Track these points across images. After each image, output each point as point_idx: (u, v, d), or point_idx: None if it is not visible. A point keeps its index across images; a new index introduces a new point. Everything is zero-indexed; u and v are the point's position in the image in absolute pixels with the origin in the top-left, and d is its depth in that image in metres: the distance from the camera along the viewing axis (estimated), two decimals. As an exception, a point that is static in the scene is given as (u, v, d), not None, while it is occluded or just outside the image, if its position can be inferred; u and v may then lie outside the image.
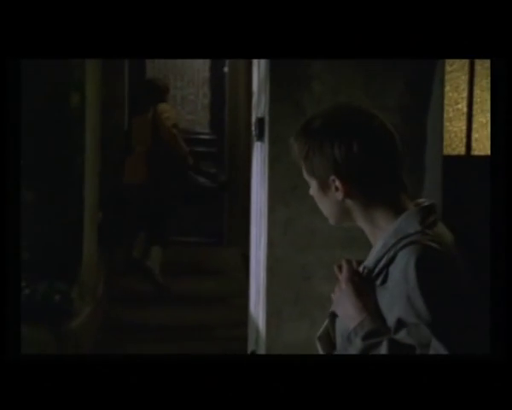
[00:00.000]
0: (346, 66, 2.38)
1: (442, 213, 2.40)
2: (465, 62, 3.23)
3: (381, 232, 1.20)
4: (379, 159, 1.20)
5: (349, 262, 1.22)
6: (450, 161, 2.45)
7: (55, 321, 3.74)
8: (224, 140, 5.43)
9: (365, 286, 1.19)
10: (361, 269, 1.22)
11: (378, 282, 1.17)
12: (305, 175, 1.26)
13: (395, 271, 1.14)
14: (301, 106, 2.35)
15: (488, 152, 2.76)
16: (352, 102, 1.31)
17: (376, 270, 1.19)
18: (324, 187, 1.23)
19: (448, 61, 2.74)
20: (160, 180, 4.67)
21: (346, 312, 1.19)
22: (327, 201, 1.24)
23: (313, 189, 1.26)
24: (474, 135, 2.81)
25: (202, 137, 5.47)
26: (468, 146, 2.40)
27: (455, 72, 3.12)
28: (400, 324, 1.11)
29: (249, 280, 3.52)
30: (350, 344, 1.16)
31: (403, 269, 1.13)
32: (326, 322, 1.31)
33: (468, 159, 2.58)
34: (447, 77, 2.68)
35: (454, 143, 3.26)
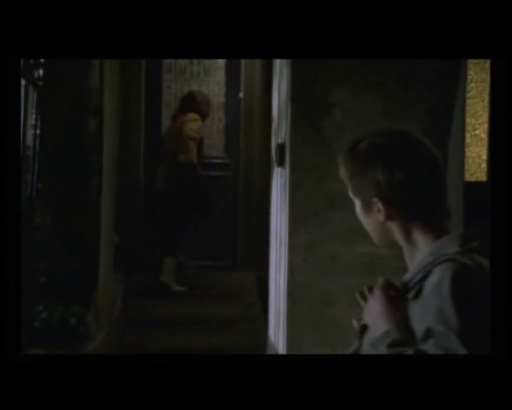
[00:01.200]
0: (367, 92, 2.40)
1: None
2: (483, 88, 3.24)
3: (420, 254, 1.25)
4: (421, 186, 1.23)
5: (385, 279, 1.26)
6: (471, 187, 2.45)
7: (70, 345, 3.74)
8: (239, 164, 5.46)
9: (397, 298, 1.22)
10: (398, 284, 1.26)
11: (411, 295, 1.21)
12: (351, 194, 1.31)
13: (429, 285, 1.18)
14: (322, 132, 2.37)
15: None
16: (400, 127, 1.30)
17: (410, 284, 1.22)
18: (367, 208, 1.27)
19: (466, 88, 2.75)
20: (172, 189, 4.76)
21: (374, 319, 1.23)
22: (369, 221, 1.28)
23: (357, 208, 1.30)
24: (493, 161, 2.81)
25: (217, 161, 5.50)
26: (489, 172, 2.40)
27: (472, 98, 3.14)
28: (429, 333, 1.14)
29: (264, 305, 3.51)
30: (375, 351, 1.18)
31: (437, 283, 1.16)
32: (355, 344, 1.31)
33: (489, 185, 2.58)
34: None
35: (472, 169, 3.26)
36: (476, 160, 3.76)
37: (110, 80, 4.21)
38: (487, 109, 2.87)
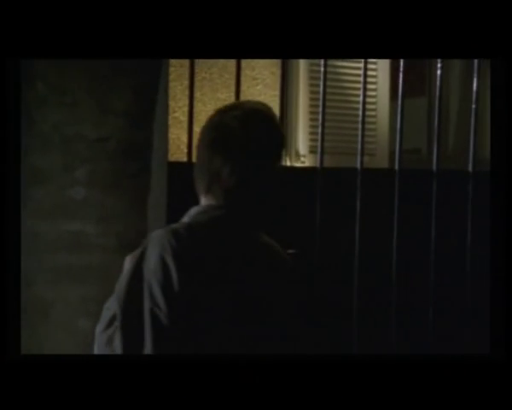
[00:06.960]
0: (71, 67, 2.33)
1: (167, 216, 2.54)
2: (182, 73, 3.45)
3: None
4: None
5: None
6: (174, 167, 2.61)
7: None
8: None
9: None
10: None
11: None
12: None
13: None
14: (26, 105, 2.23)
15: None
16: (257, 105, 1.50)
17: None
18: None
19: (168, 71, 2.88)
20: None
21: None
22: None
23: None
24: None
25: None
26: (190, 153, 2.60)
27: (172, 81, 3.31)
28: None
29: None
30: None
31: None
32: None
33: (190, 165, 2.77)
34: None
35: (172, 150, 3.47)
36: (176, 141, 3.99)
37: None
38: (186, 93, 3.05)
